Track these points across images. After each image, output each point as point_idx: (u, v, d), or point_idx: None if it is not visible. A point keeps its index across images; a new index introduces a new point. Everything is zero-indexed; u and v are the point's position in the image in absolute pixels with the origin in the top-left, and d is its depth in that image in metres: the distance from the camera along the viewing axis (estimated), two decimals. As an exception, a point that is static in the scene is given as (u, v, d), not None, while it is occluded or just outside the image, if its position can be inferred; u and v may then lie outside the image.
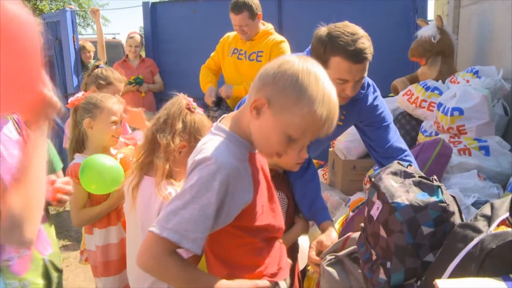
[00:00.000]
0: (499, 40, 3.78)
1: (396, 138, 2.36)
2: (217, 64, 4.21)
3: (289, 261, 1.74)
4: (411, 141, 3.58)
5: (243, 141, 1.43)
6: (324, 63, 2.00)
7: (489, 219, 1.12)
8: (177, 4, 5.97)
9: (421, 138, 3.46)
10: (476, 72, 3.53)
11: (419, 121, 3.62)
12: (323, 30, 2.03)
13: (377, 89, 2.38)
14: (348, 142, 3.68)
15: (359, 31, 2.00)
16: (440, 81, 3.75)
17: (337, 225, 2.87)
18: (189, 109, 1.96)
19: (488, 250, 1.02)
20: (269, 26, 4.03)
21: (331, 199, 3.52)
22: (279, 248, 1.64)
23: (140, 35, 5.85)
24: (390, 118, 2.38)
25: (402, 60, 4.42)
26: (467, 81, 3.46)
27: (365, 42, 1.99)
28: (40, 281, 1.66)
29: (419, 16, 5.13)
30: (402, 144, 2.36)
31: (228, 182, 1.32)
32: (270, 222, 1.51)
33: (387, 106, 2.41)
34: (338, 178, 3.75)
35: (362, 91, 2.26)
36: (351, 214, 2.79)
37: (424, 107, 3.53)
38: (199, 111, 2.01)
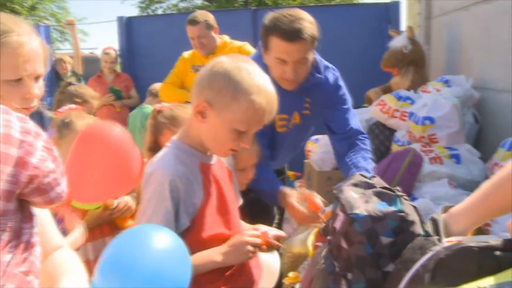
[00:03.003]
0: (468, 50, 3.85)
1: (356, 121, 2.45)
2: (181, 80, 4.16)
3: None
4: (385, 151, 3.60)
5: (191, 149, 1.49)
6: (266, 45, 2.13)
7: (437, 232, 1.13)
8: (153, 18, 6.01)
9: (394, 147, 3.49)
10: (447, 82, 3.57)
11: (392, 131, 3.64)
12: (269, 15, 2.13)
13: (337, 71, 2.44)
14: (323, 153, 3.69)
15: (304, 15, 2.07)
16: (412, 90, 3.79)
17: (312, 236, 2.86)
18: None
19: (437, 261, 1.02)
20: (226, 37, 4.03)
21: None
22: (246, 263, 1.62)
23: (115, 50, 5.83)
24: (350, 101, 2.47)
25: (376, 70, 4.46)
26: (438, 90, 3.50)
27: (304, 24, 2.04)
28: None
29: (391, 26, 5.20)
30: (360, 128, 2.46)
31: (176, 187, 1.40)
32: (221, 232, 1.51)
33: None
34: (313, 189, 3.72)
35: (319, 75, 2.30)
36: (323, 225, 2.78)
37: (396, 117, 3.56)
38: None
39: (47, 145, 1.01)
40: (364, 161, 2.30)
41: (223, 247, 1.52)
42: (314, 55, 2.25)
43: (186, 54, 4.16)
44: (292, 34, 2.02)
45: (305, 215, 2.15)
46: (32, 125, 0.98)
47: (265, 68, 2.15)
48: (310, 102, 2.38)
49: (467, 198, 1.29)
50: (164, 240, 1.11)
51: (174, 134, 2.00)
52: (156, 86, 4.77)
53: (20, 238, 0.98)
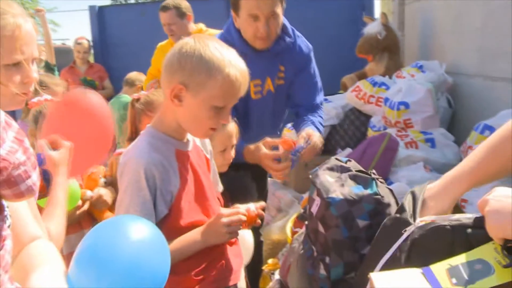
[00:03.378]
0: (441, 36, 3.89)
1: (321, 97, 2.59)
2: (159, 72, 4.15)
3: None
4: (361, 137, 3.63)
5: (166, 137, 1.48)
6: (236, 6, 2.24)
7: (413, 211, 1.13)
8: (124, 7, 5.94)
9: (370, 133, 3.51)
10: (421, 67, 3.61)
11: (368, 117, 3.67)
12: None
13: (311, 46, 2.53)
14: (300, 141, 3.70)
15: None
16: (387, 76, 3.82)
17: (290, 223, 2.87)
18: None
19: (411, 241, 1.03)
20: (201, 26, 3.99)
21: (284, 198, 3.53)
22: (224, 248, 1.61)
23: (88, 40, 5.72)
24: (319, 77, 2.57)
25: (350, 57, 4.48)
26: (412, 76, 3.53)
27: None
28: None
29: (365, 13, 5.21)
30: (322, 104, 2.61)
31: (152, 175, 1.39)
32: (200, 219, 1.51)
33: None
34: (290, 176, 3.75)
35: (289, 39, 2.39)
36: (301, 211, 2.80)
37: (372, 103, 3.58)
38: None
39: (18, 136, 0.96)
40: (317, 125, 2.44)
41: (202, 227, 1.51)
42: (283, 19, 2.34)
43: (160, 45, 4.12)
44: None
45: (279, 165, 2.21)
46: (2, 116, 0.95)
47: (238, 35, 2.30)
48: (284, 71, 2.43)
49: (444, 176, 1.29)
50: (141, 230, 1.07)
51: (151, 120, 2.00)
52: (132, 75, 4.72)
53: None
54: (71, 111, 1.78)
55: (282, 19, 2.32)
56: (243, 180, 2.33)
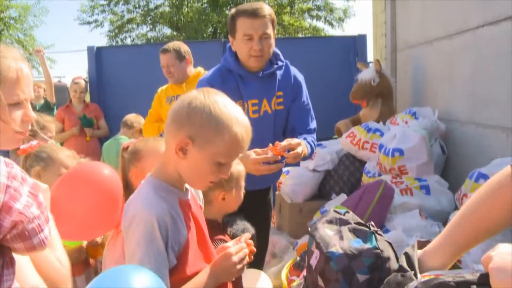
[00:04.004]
0: (433, 83, 3.97)
1: (314, 124, 2.74)
2: (158, 115, 4.16)
3: None
4: (356, 182, 3.64)
5: (168, 187, 1.47)
6: (233, 30, 2.52)
7: (410, 268, 1.14)
8: (122, 48, 5.99)
9: (365, 179, 3.52)
10: (414, 114, 3.66)
11: (362, 162, 3.69)
12: (232, 10, 2.58)
13: (303, 76, 2.76)
14: (294, 186, 3.70)
15: (263, 5, 2.50)
16: (381, 122, 3.87)
17: (286, 269, 2.84)
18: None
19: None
20: (199, 69, 4.05)
21: (279, 242, 3.50)
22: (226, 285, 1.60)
23: (85, 80, 5.77)
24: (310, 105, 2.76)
25: (344, 102, 4.54)
26: (406, 122, 3.58)
27: (263, 6, 2.49)
28: None
29: (359, 59, 5.32)
30: (315, 129, 2.75)
31: (165, 225, 1.38)
32: (202, 267, 1.51)
33: None
34: (285, 221, 3.74)
35: (281, 62, 2.65)
36: (298, 259, 2.77)
37: (366, 149, 3.61)
38: None
39: (33, 190, 1.00)
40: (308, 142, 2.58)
41: (210, 269, 1.50)
42: (274, 48, 2.60)
43: (160, 89, 4.17)
44: (254, 11, 2.44)
45: (271, 165, 2.30)
46: (18, 170, 0.98)
47: (234, 59, 2.56)
48: (282, 96, 2.63)
49: (439, 234, 1.30)
50: (145, 281, 1.09)
51: (138, 170, 1.97)
52: (130, 117, 4.75)
53: (1, 284, 0.98)
54: (80, 186, 1.81)
55: (274, 42, 2.56)
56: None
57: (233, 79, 2.55)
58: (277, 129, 2.66)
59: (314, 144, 2.66)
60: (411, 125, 3.45)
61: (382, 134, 3.56)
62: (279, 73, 2.63)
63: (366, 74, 4.16)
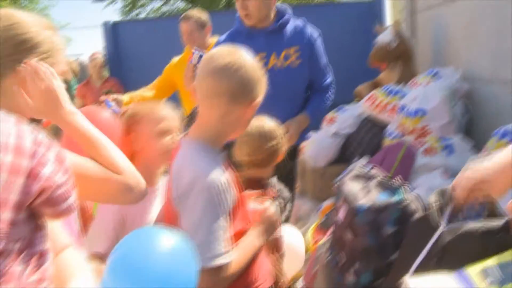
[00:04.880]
0: (454, 42, 3.89)
1: (331, 75, 2.93)
2: (168, 84, 4.08)
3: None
4: (377, 145, 3.63)
5: (213, 149, 1.47)
6: None
7: (441, 209, 1.14)
8: (137, 23, 5.97)
9: (386, 141, 3.51)
10: (435, 74, 3.61)
11: (384, 125, 3.67)
12: None
13: (319, 31, 2.92)
14: (316, 150, 3.71)
15: None
16: (401, 84, 3.82)
17: (310, 232, 2.88)
18: None
19: (444, 245, 1.04)
20: (215, 39, 4.00)
21: (302, 207, 3.54)
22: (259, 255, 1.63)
23: (102, 55, 5.80)
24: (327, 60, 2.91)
25: (364, 66, 4.49)
26: (427, 83, 3.53)
27: None
28: None
29: (377, 22, 5.23)
30: (333, 81, 2.97)
31: (224, 189, 1.39)
32: (242, 227, 1.52)
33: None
34: (308, 186, 3.76)
35: (286, 17, 2.79)
36: (322, 219, 2.80)
37: (387, 111, 3.58)
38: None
39: (59, 156, 1.00)
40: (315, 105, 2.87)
41: (256, 228, 1.55)
42: (271, 5, 2.75)
43: (175, 59, 4.12)
44: None
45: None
46: (44, 136, 0.98)
47: (241, 20, 2.77)
48: (299, 51, 2.75)
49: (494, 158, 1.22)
50: (173, 241, 1.12)
51: (136, 134, 1.88)
52: None
53: (33, 247, 0.98)
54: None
55: (268, 2, 2.70)
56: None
57: (241, 38, 2.66)
58: (293, 85, 2.76)
59: (324, 103, 2.91)
60: (432, 86, 3.40)
61: (403, 96, 3.52)
62: (290, 26, 2.77)
63: (384, 37, 4.10)
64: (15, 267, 0.93)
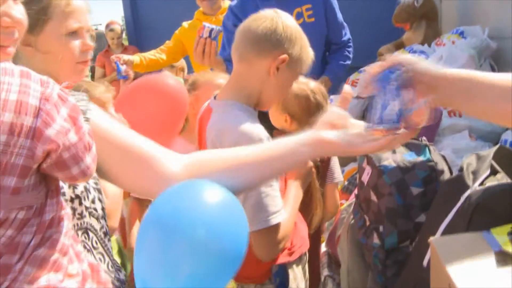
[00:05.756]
0: (483, 0, 3.74)
1: (348, 32, 2.95)
2: (178, 48, 4.04)
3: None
4: (401, 108, 3.56)
5: (252, 110, 1.48)
6: None
7: (474, 173, 1.10)
8: (156, -10, 5.88)
9: (410, 103, 3.44)
10: (462, 33, 3.49)
11: (407, 87, 3.59)
12: None
13: None
14: (338, 114, 3.66)
15: None
16: (426, 45, 3.72)
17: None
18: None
19: (474, 205, 1.00)
20: (228, 3, 3.90)
21: (325, 172, 3.51)
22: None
23: (120, 24, 5.77)
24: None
25: (387, 27, 4.37)
26: (453, 43, 3.42)
27: None
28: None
29: (401, -19, 5.07)
30: (350, 38, 3.00)
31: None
32: (281, 185, 1.53)
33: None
34: (330, 150, 3.73)
35: None
36: (346, 183, 2.78)
37: (411, 72, 3.50)
38: None
39: (72, 113, 0.87)
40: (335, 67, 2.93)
41: (294, 185, 1.56)
42: None
43: (186, 24, 4.06)
44: None
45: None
46: (56, 90, 0.86)
47: None
48: (312, 9, 2.75)
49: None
50: (221, 196, 0.96)
51: (193, 98, 2.07)
52: None
53: (43, 215, 0.88)
54: (147, 93, 1.87)
55: None
56: None
57: (253, 1, 2.66)
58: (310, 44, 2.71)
59: (344, 64, 2.96)
60: (458, 45, 3.29)
61: (427, 56, 3.42)
62: None
63: (408, -4, 3.97)
64: (20, 237, 0.84)
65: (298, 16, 2.73)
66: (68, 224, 0.97)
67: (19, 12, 0.95)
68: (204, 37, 2.35)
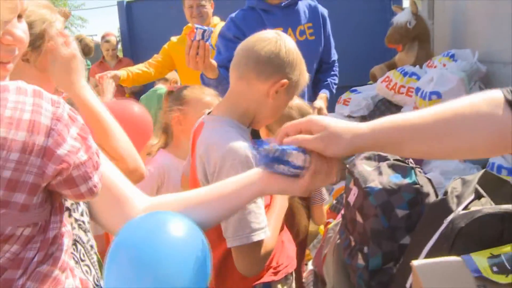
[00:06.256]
0: (473, 23, 3.81)
1: (335, 52, 3.06)
2: (166, 63, 4.01)
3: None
4: (392, 128, 3.59)
5: (244, 128, 1.49)
6: None
7: (459, 197, 1.12)
8: (152, 2, 5.91)
9: (401, 124, 3.47)
10: (452, 56, 3.54)
11: (399, 107, 3.62)
12: None
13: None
14: (329, 132, 3.68)
15: None
16: (417, 66, 3.76)
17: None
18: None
19: (457, 230, 1.02)
20: (217, 19, 3.91)
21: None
22: (281, 236, 1.64)
23: (115, 36, 5.79)
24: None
25: (380, 47, 4.43)
26: (444, 65, 3.47)
27: None
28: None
29: (394, 3, 5.14)
30: (336, 58, 3.10)
31: (254, 162, 1.36)
32: (267, 202, 1.53)
33: None
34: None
35: None
36: (334, 202, 2.79)
37: (402, 93, 3.53)
38: None
39: (82, 132, 0.90)
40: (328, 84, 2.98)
41: (280, 197, 1.58)
42: None
43: (175, 38, 4.06)
44: None
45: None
46: (66, 110, 0.88)
47: None
48: (313, 27, 2.83)
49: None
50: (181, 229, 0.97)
51: (181, 115, 2.04)
52: None
53: (46, 232, 0.90)
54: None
55: None
56: None
57: (256, 14, 2.74)
58: (307, 59, 2.72)
59: (335, 83, 3.03)
60: (449, 68, 3.34)
61: (418, 78, 3.47)
62: (302, 4, 2.82)
63: (401, 17, 4.01)
64: (24, 253, 0.86)
65: (301, 33, 2.81)
66: (68, 241, 0.99)
67: (22, 30, 0.98)
68: (197, 40, 2.27)
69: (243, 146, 1.37)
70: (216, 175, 1.36)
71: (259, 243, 1.34)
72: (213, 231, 1.40)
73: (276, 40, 1.42)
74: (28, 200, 0.83)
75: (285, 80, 1.41)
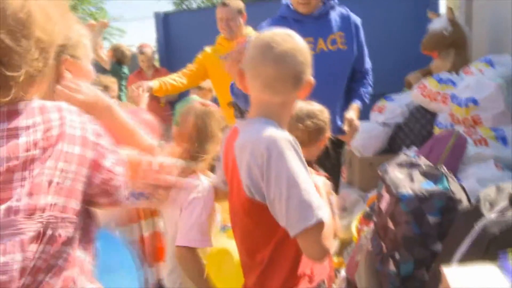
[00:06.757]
0: (511, 29, 3.73)
1: (369, 61, 2.97)
2: (200, 72, 4.07)
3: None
4: (427, 135, 3.54)
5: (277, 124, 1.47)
6: None
7: (492, 204, 1.11)
8: (188, 13, 6.04)
9: (436, 131, 3.42)
10: (490, 62, 3.47)
11: (434, 115, 3.58)
12: None
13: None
14: (364, 140, 3.67)
15: None
16: (454, 73, 3.71)
17: (355, 221, 2.86)
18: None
19: (491, 237, 1.01)
20: (250, 29, 3.96)
21: (349, 197, 3.51)
22: None
23: (151, 47, 5.92)
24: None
25: (415, 54, 4.38)
26: (481, 71, 3.40)
27: None
28: None
29: (430, 9, 5.08)
30: (370, 67, 3.01)
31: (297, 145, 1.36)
32: None
33: None
34: (355, 176, 3.73)
35: (331, 1, 2.82)
36: (368, 209, 2.78)
37: (438, 100, 3.49)
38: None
39: (113, 147, 1.02)
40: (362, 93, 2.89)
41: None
42: None
43: (208, 49, 4.11)
44: None
45: None
46: (100, 127, 1.00)
47: (287, 7, 2.80)
48: (345, 37, 2.80)
49: None
50: None
51: None
52: None
53: (89, 235, 1.02)
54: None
55: None
56: None
57: (287, 24, 2.61)
58: (339, 69, 2.78)
59: (368, 94, 2.94)
60: (486, 74, 3.28)
61: (454, 85, 3.42)
62: (334, 14, 2.82)
63: (437, 24, 3.97)
64: (77, 253, 0.97)
65: (333, 43, 2.81)
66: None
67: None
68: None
69: (282, 133, 1.37)
70: (266, 166, 1.32)
71: (322, 222, 1.27)
72: (259, 234, 1.43)
73: (294, 46, 1.43)
74: (80, 206, 0.95)
75: (311, 79, 1.43)
